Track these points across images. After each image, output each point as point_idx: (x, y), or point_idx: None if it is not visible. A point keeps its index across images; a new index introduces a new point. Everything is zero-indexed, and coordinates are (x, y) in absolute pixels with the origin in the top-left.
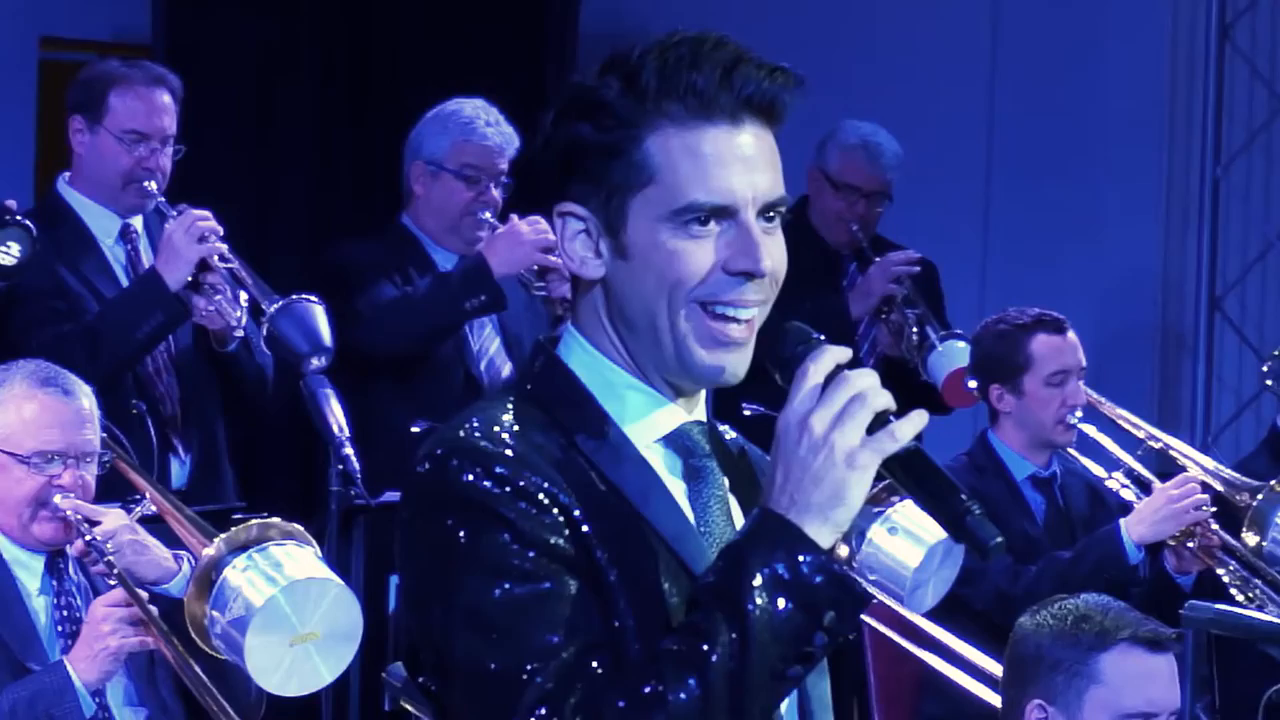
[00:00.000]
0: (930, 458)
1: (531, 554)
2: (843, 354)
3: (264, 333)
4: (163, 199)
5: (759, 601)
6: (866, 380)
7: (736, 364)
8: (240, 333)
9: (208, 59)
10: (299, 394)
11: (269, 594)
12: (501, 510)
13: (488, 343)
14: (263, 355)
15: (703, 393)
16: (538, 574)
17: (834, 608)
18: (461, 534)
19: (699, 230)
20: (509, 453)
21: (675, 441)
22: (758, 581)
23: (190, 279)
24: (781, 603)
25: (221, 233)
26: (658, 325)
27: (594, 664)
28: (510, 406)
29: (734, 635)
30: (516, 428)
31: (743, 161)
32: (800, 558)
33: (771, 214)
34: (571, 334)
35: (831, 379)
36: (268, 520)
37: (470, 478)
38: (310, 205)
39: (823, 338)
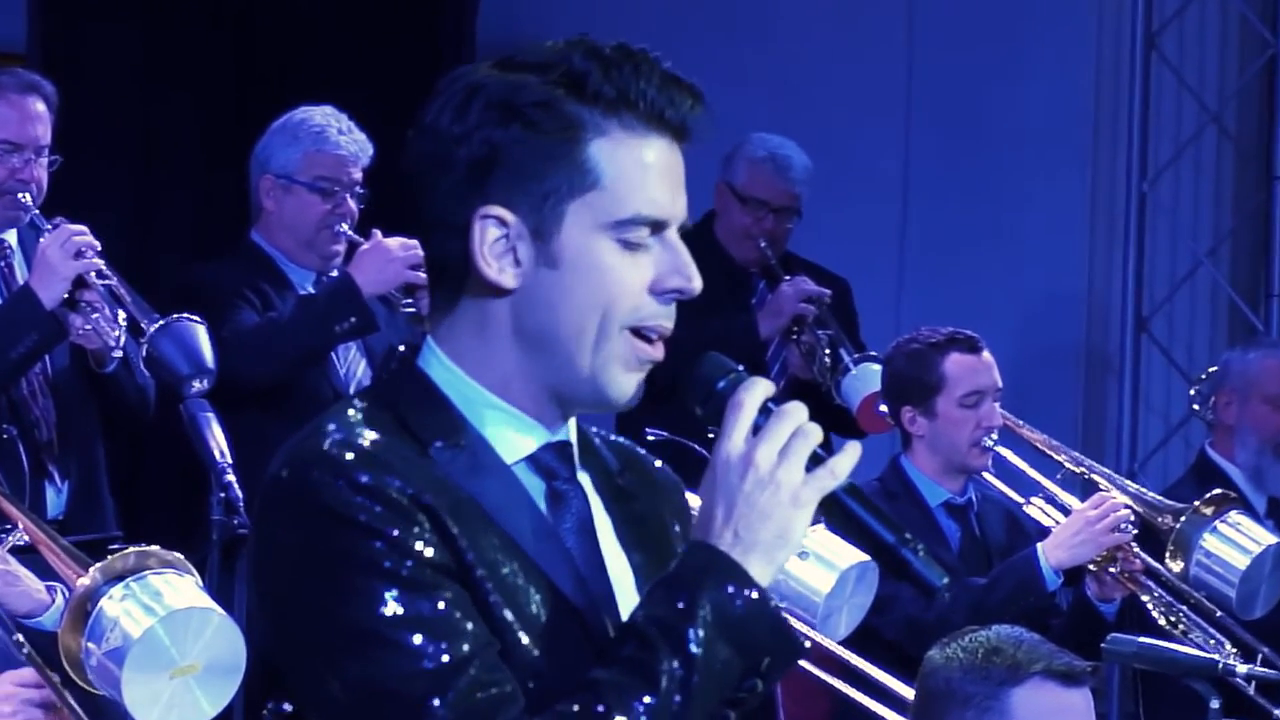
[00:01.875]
0: (866, 494)
1: (410, 564)
2: (770, 387)
3: (143, 353)
4: (37, 212)
5: (702, 640)
6: (802, 414)
7: (641, 386)
8: (119, 353)
9: (85, 67)
10: (179, 418)
11: (147, 625)
12: (370, 521)
13: (354, 365)
14: (143, 376)
15: (572, 416)
16: (417, 583)
17: (771, 654)
18: (333, 550)
19: (635, 243)
20: (370, 459)
21: (538, 463)
22: (702, 619)
23: (66, 296)
24: (723, 644)
25: (99, 248)
26: (579, 343)
27: (492, 675)
28: (361, 413)
29: (677, 672)
30: (374, 434)
31: (675, 178)
32: (745, 598)
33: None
34: (432, 349)
35: (763, 413)
36: (146, 549)
37: (334, 489)
38: (193, 219)
39: (743, 368)
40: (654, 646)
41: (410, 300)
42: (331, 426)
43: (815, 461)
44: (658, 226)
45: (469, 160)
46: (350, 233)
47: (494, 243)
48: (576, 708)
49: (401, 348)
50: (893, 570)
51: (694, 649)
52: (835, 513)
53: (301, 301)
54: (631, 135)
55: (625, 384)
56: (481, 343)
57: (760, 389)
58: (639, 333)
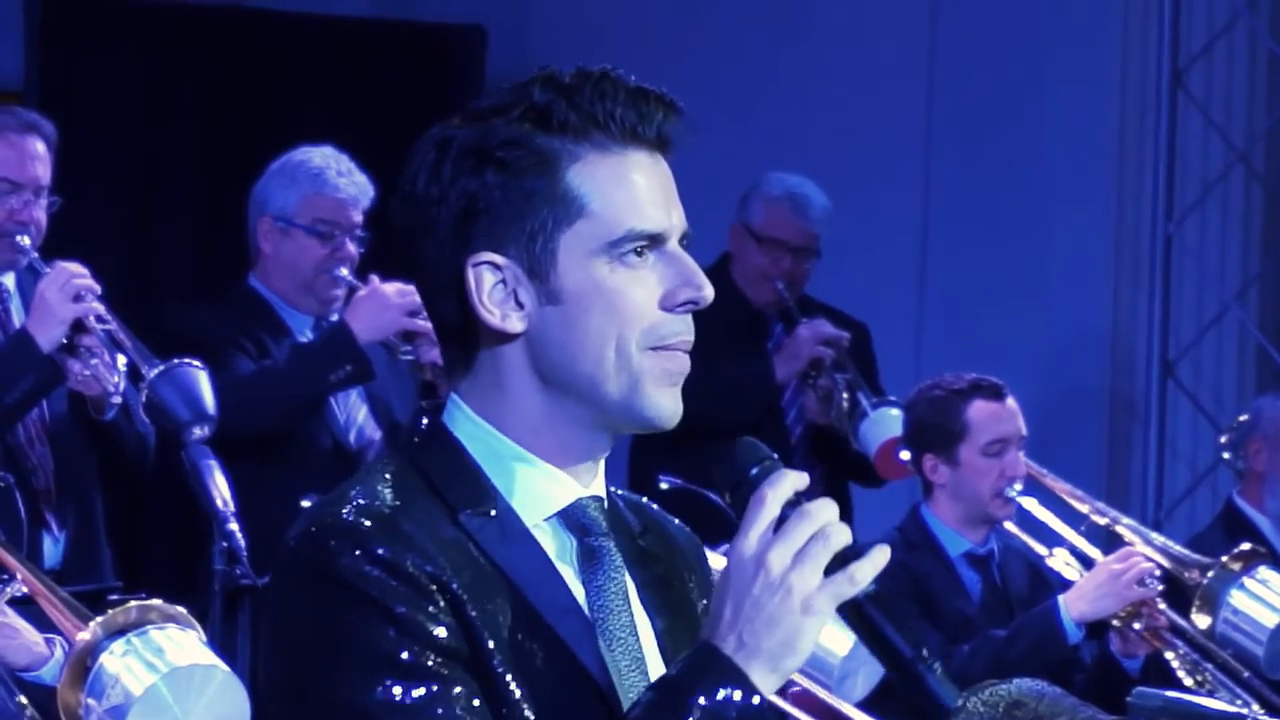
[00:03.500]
0: (888, 603)
1: (415, 648)
2: (801, 480)
3: (143, 399)
4: (36, 255)
5: None
6: (827, 514)
7: (679, 402)
8: (118, 399)
9: (83, 105)
10: (179, 465)
11: (149, 682)
12: (382, 598)
13: (354, 411)
14: (143, 424)
15: (601, 466)
16: (420, 672)
17: None
18: (339, 623)
19: (635, 261)
20: (390, 532)
21: (570, 518)
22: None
23: (65, 341)
24: None
25: (98, 291)
26: (602, 372)
27: None
28: (390, 477)
29: None
30: (399, 502)
31: (663, 190)
32: (739, 705)
33: (683, 245)
34: (456, 404)
35: (790, 507)
36: (147, 602)
37: (349, 560)
38: (194, 261)
39: (776, 457)
40: None
41: (410, 348)
42: (356, 492)
43: (841, 561)
44: (655, 240)
45: (451, 218)
46: (350, 277)
47: (492, 289)
48: None
49: (428, 405)
50: (907, 685)
51: None
52: (855, 619)
53: (296, 349)
54: (607, 155)
55: (662, 401)
56: (503, 393)
57: (787, 483)
58: (661, 350)
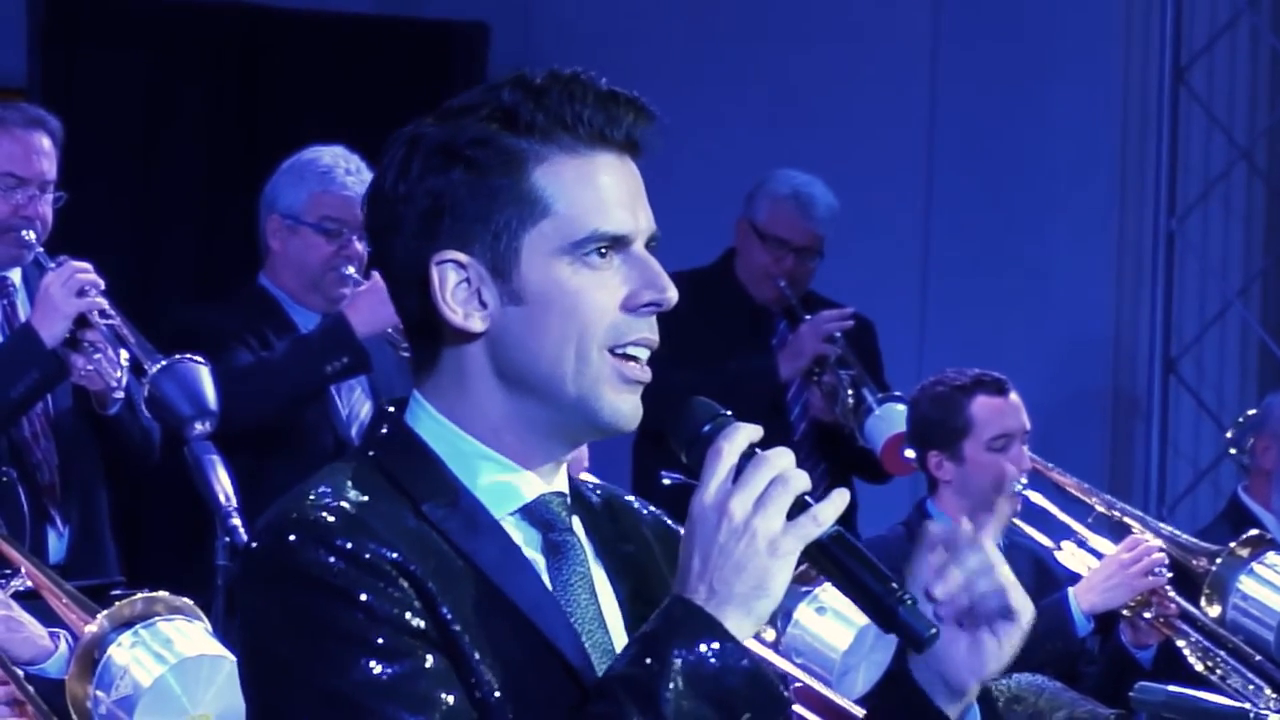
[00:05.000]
0: (854, 542)
1: (386, 630)
2: (755, 432)
3: (144, 394)
4: (42, 250)
5: (674, 697)
6: (784, 460)
7: (639, 406)
8: (120, 394)
9: (86, 101)
10: (181, 459)
11: (158, 673)
12: (347, 587)
13: (358, 405)
14: (148, 418)
15: (564, 464)
16: (394, 651)
17: (751, 709)
18: (309, 614)
19: (599, 263)
20: (351, 524)
21: (533, 514)
22: (673, 676)
23: (68, 335)
24: (699, 700)
25: (102, 286)
26: (561, 371)
27: None
28: (352, 474)
29: None
30: (364, 497)
31: (630, 192)
32: (718, 653)
33: (650, 248)
34: (419, 402)
35: (746, 459)
36: (154, 595)
37: (312, 554)
38: (197, 257)
39: (730, 414)
40: (623, 706)
41: (409, 345)
42: (319, 490)
43: (802, 510)
44: (619, 242)
45: (417, 215)
46: (357, 275)
47: (455, 288)
48: None
49: (391, 407)
50: (881, 622)
51: (665, 708)
52: (821, 561)
53: (294, 341)
54: (574, 157)
55: (618, 404)
56: (465, 392)
57: (742, 435)
58: (619, 354)
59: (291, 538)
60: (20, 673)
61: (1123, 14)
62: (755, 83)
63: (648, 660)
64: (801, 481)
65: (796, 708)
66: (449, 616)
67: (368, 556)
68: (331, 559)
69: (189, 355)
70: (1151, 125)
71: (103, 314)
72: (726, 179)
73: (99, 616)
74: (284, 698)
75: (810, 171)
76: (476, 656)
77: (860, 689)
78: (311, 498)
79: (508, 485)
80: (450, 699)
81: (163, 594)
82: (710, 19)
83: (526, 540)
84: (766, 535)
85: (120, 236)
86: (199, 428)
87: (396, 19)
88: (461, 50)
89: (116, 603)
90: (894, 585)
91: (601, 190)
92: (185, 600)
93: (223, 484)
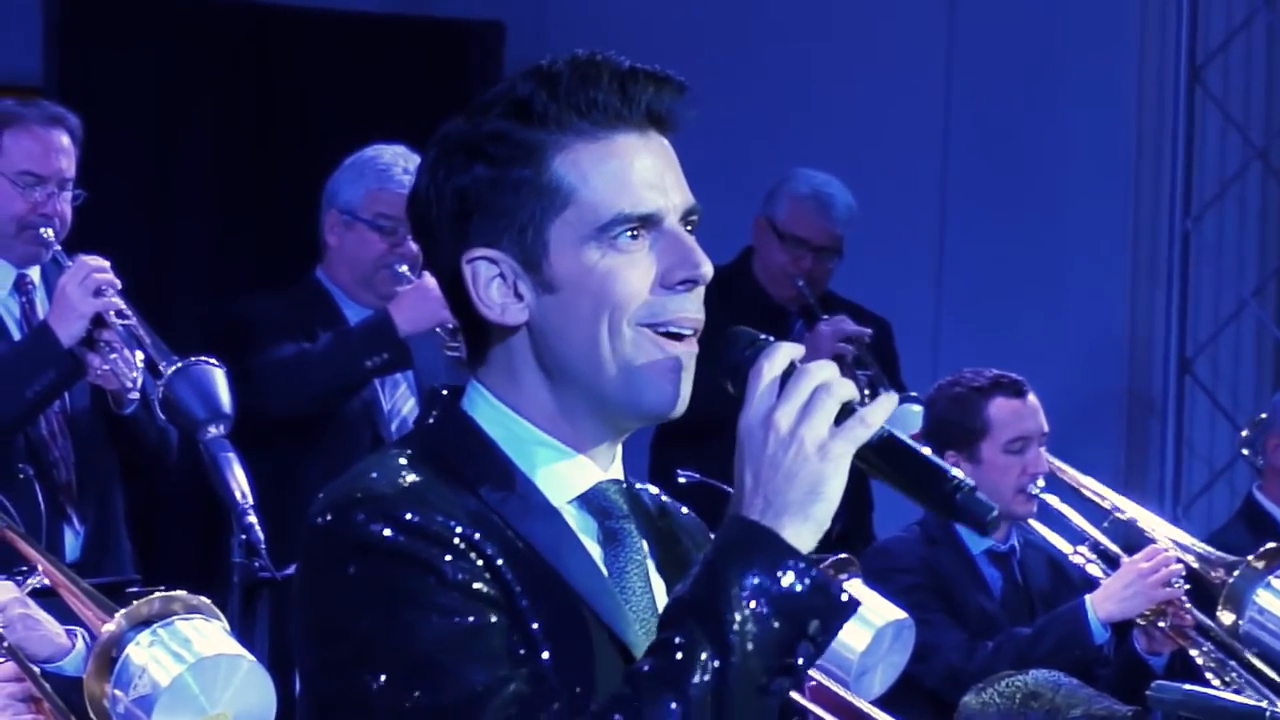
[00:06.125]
0: (906, 441)
1: (457, 594)
2: (796, 350)
3: (159, 396)
4: (60, 248)
5: (740, 614)
6: (827, 371)
7: (685, 391)
8: (136, 394)
9: (102, 100)
10: (198, 458)
11: (176, 672)
12: (416, 554)
13: (401, 402)
14: (163, 419)
15: (619, 451)
16: (466, 609)
17: (818, 616)
18: (381, 583)
19: (628, 244)
20: (414, 499)
21: (591, 502)
22: (738, 592)
23: (85, 335)
24: (764, 614)
25: (119, 286)
26: (600, 355)
27: (543, 694)
28: (405, 460)
29: (715, 651)
30: (418, 478)
31: (656, 169)
32: (781, 564)
33: (689, 223)
34: (476, 389)
35: (788, 375)
36: (171, 593)
37: (378, 526)
38: (211, 256)
39: (771, 337)
40: (690, 630)
41: (456, 344)
42: (374, 473)
43: (849, 416)
44: (648, 221)
45: (447, 216)
46: (410, 274)
47: (489, 284)
48: (623, 693)
49: (444, 391)
50: (942, 510)
51: (729, 620)
52: (875, 462)
53: (336, 334)
54: (593, 142)
55: (660, 387)
56: (515, 384)
57: (783, 354)
58: (658, 331)
59: (359, 515)
60: (37, 670)
61: (1138, 13)
62: (771, 81)
63: (708, 581)
64: (847, 389)
65: (813, 707)
66: (518, 593)
67: (435, 529)
68: (398, 531)
69: (204, 358)
70: (1167, 125)
71: (119, 314)
72: (742, 178)
73: (117, 615)
74: (359, 671)
75: (826, 171)
76: (535, 627)
77: (877, 690)
78: (374, 475)
79: (565, 471)
80: (527, 654)
81: (180, 593)
82: (726, 16)
83: (583, 528)
84: (815, 441)
85: (134, 235)
86: (213, 431)
87: (411, 18)
88: (476, 49)
89: (134, 601)
90: (950, 476)
91: (623, 172)
92: (203, 599)
93: (239, 481)
